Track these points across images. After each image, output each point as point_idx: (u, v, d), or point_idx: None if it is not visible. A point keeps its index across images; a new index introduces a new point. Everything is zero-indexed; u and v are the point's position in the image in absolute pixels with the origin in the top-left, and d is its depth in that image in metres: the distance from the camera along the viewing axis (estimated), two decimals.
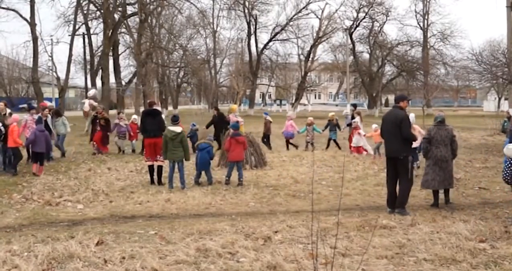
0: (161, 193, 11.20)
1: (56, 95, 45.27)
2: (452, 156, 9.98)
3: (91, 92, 22.29)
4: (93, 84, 43.99)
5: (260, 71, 61.51)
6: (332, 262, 5.50)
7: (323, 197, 10.88)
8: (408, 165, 9.10)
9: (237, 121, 14.90)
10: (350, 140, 19.26)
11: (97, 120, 18.70)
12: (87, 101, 21.06)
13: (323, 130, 20.32)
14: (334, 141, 20.07)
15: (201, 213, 9.41)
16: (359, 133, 18.35)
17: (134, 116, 20.26)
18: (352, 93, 66.96)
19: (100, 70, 40.56)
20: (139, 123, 18.84)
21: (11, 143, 13.94)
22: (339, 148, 19.80)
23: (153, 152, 12.51)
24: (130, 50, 51.30)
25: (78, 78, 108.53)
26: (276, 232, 7.57)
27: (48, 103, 19.35)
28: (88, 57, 48.69)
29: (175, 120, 12.18)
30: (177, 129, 11.87)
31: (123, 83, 46.04)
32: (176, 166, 11.96)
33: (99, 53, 44.36)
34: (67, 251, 6.41)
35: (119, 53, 48.26)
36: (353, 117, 19.75)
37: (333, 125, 20.13)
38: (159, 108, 21.14)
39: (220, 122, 18.84)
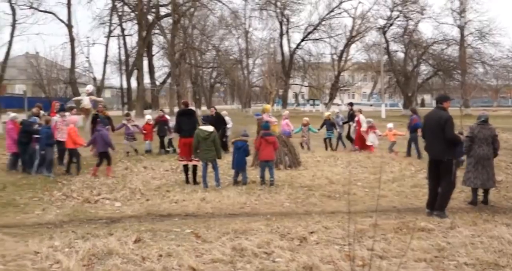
0: (196, 192, 11.28)
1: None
2: (493, 154, 9.92)
3: (89, 87, 19.68)
4: (128, 84, 44.66)
5: (293, 71, 61.40)
6: (369, 264, 5.46)
7: (359, 198, 10.79)
8: (451, 167, 8.90)
9: (267, 121, 14.87)
10: (357, 137, 19.17)
11: (98, 119, 17.33)
12: (86, 98, 18.78)
13: (319, 130, 20.32)
14: (330, 140, 20.16)
15: (236, 213, 9.46)
16: (374, 133, 18.62)
17: (148, 116, 20.03)
18: (387, 93, 66.10)
19: (135, 71, 41.10)
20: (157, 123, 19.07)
21: (70, 144, 14.02)
22: (332, 148, 19.93)
23: (188, 151, 12.59)
24: (164, 51, 51.93)
25: (113, 78, 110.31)
26: (311, 232, 7.54)
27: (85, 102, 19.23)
28: (123, 58, 49.50)
29: (207, 120, 12.26)
30: (209, 128, 11.94)
31: (157, 83, 46.66)
32: (210, 165, 12.05)
33: (134, 54, 45.02)
34: (107, 248, 6.54)
35: (153, 54, 48.96)
36: (353, 117, 19.71)
37: (329, 125, 20.18)
38: (193, 108, 20.66)
39: (217, 123, 18.79)
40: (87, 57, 44.81)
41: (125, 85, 49.12)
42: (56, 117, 15.32)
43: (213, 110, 19.61)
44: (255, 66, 66.70)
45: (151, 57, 46.34)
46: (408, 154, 17.64)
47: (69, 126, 14.20)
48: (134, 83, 44.16)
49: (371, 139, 18.65)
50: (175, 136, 17.20)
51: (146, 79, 43.48)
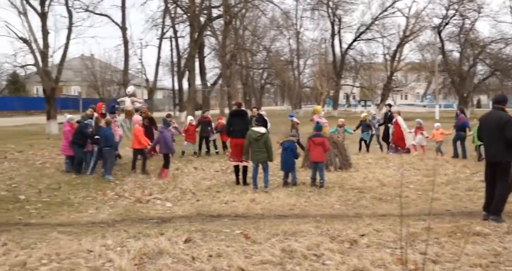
0: (246, 193, 11.35)
1: (145, 97, 47.01)
2: None
3: (130, 89, 19.28)
4: (180, 86, 45.27)
5: (344, 72, 60.79)
6: (422, 268, 5.34)
7: (411, 200, 10.60)
8: (509, 170, 8.58)
9: (319, 122, 14.79)
10: (397, 139, 18.76)
11: (151, 120, 17.23)
12: (127, 99, 18.55)
13: (354, 131, 20.05)
14: (365, 141, 19.91)
15: (285, 214, 9.45)
16: (422, 134, 18.50)
17: (190, 117, 19.76)
18: (441, 93, 64.50)
19: (187, 72, 41.65)
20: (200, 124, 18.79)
21: (136, 144, 14.25)
22: (368, 150, 19.69)
23: (240, 152, 12.67)
24: (215, 52, 52.43)
25: (165, 80, 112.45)
26: (362, 235, 7.44)
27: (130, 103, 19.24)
28: (175, 59, 50.26)
29: (259, 121, 12.31)
30: (261, 130, 11.97)
31: (209, 84, 47.10)
32: (261, 166, 12.07)
33: (186, 56, 45.58)
34: (158, 247, 6.64)
35: (205, 55, 49.46)
36: (391, 118, 19.27)
37: (365, 126, 19.89)
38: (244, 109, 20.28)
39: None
40: (140, 59, 46.21)
41: (176, 86, 49.75)
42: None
43: (255, 111, 19.48)
44: (306, 67, 66.52)
45: (203, 58, 46.84)
46: (455, 154, 17.36)
47: (135, 126, 14.43)
48: (185, 85, 44.73)
49: (417, 140, 18.51)
50: (218, 137, 17.36)
51: (198, 81, 43.95)
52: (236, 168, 12.83)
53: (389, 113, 20.08)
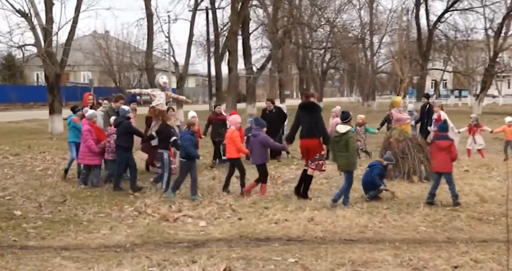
0: (302, 209, 11.31)
1: (174, 85, 47.52)
2: None
3: (166, 79, 16.49)
4: (218, 71, 45.48)
5: (432, 52, 60.05)
6: None
7: None
8: None
9: (445, 121, 14.69)
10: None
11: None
12: (161, 94, 15.87)
13: (378, 129, 19.86)
14: None
15: (354, 238, 9.42)
16: (483, 130, 18.77)
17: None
18: None
19: (227, 54, 41.83)
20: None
21: (232, 153, 13.57)
22: None
23: (305, 156, 12.85)
24: (263, 28, 52.53)
25: (199, 63, 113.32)
26: (456, 267, 7.40)
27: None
28: (212, 37, 50.51)
29: (344, 117, 12.26)
30: (342, 129, 11.98)
31: (255, 69, 47.24)
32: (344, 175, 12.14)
33: (226, 32, 45.82)
34: None
35: (250, 31, 49.58)
36: (429, 113, 19.13)
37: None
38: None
39: (277, 120, 18.38)
40: (168, 37, 45.90)
41: (213, 72, 50.12)
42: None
43: (270, 104, 19.31)
44: (381, 46, 66.05)
45: (247, 36, 47.01)
46: None
47: (230, 128, 13.83)
48: (225, 70, 44.97)
49: (480, 142, 18.64)
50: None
51: (241, 65, 44.10)
52: (304, 173, 12.88)
53: (427, 107, 19.72)
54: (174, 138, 13.68)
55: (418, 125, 19.99)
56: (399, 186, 13.56)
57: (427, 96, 21.31)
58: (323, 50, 61.07)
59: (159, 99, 15.48)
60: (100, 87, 52.87)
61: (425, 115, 19.58)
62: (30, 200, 12.45)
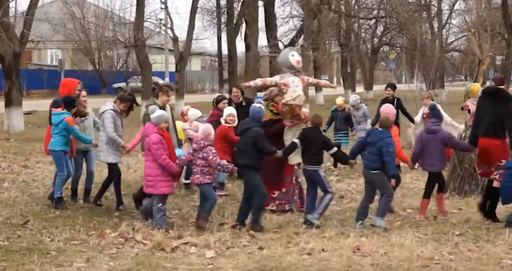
0: (345, 236, 11.31)
1: (172, 68, 47.55)
2: None
3: (295, 55, 15.08)
4: (232, 48, 45.36)
5: None
6: None
7: None
8: None
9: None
10: None
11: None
12: (296, 82, 14.23)
13: (324, 131, 19.50)
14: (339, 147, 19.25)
15: None
16: None
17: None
18: None
19: (243, 26, 41.77)
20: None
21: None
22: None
23: (483, 161, 13.13)
24: None
25: (207, 38, 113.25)
26: None
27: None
28: (223, 2, 50.47)
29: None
30: None
31: (281, 47, 47.10)
32: None
33: None
34: None
35: None
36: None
37: (344, 120, 20.63)
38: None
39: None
40: (164, 2, 45.68)
41: (225, 50, 50.09)
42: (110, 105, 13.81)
43: (237, 93, 17.93)
44: (452, 15, 65.68)
45: (272, 1, 46.84)
46: None
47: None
48: (241, 47, 44.93)
49: None
50: None
51: (262, 40, 43.98)
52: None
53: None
54: (335, 148, 13.12)
55: None
56: (475, 203, 13.45)
57: (394, 87, 21.79)
58: (373, 21, 61.01)
59: (295, 89, 13.88)
60: (73, 71, 52.85)
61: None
62: None
